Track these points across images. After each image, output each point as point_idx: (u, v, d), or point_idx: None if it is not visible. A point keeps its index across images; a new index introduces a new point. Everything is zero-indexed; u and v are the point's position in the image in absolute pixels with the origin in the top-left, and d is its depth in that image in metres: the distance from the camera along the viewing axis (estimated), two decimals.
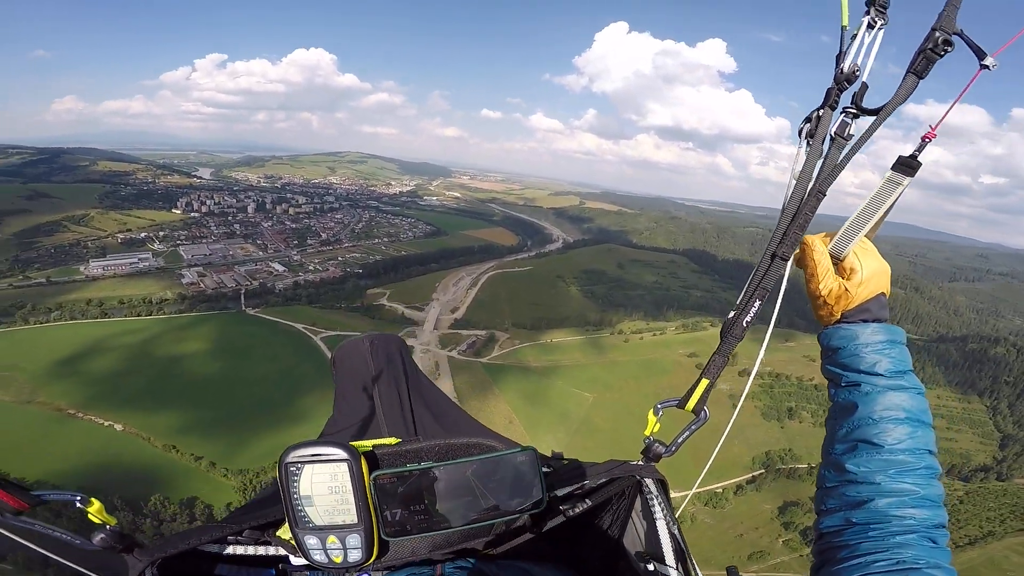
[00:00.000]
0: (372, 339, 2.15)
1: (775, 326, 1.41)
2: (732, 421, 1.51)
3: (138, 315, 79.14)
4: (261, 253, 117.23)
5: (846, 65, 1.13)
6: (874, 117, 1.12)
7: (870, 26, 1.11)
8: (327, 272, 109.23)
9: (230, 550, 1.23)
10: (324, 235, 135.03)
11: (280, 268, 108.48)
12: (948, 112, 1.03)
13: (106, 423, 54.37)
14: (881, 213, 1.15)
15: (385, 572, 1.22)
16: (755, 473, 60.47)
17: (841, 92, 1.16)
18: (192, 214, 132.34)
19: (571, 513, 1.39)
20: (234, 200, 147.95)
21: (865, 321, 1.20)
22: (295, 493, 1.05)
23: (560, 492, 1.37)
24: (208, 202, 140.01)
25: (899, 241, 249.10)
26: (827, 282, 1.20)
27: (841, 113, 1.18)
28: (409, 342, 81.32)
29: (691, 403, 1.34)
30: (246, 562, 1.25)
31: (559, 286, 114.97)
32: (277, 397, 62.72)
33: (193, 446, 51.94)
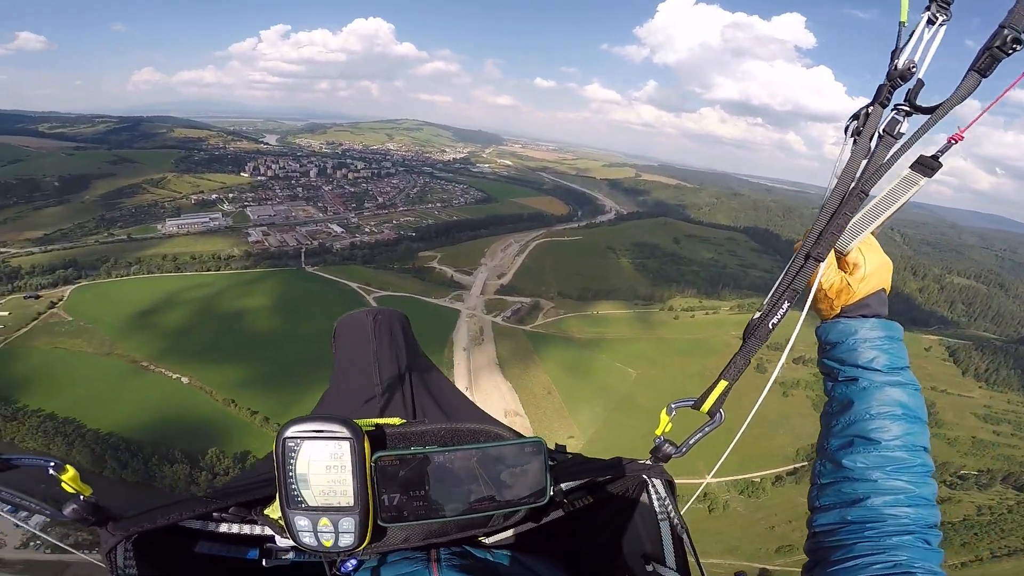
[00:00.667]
0: (376, 313, 2.06)
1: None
2: (753, 411, 1.46)
3: (207, 270, 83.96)
4: (321, 215, 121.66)
5: (901, 61, 1.07)
6: (928, 116, 1.06)
7: (930, 21, 1.05)
8: (382, 234, 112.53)
9: (213, 527, 1.17)
10: (380, 199, 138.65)
11: (338, 229, 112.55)
12: (981, 115, 0.98)
13: (174, 376, 57.65)
14: (892, 211, 1.12)
15: (379, 557, 1.17)
16: (797, 465, 57.89)
17: (894, 89, 1.11)
18: (259, 178, 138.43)
19: (572, 508, 1.37)
20: (297, 165, 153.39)
21: (864, 316, 1.19)
22: (291, 471, 0.99)
23: (564, 486, 1.34)
24: (273, 166, 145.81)
25: (986, 233, 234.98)
26: (829, 276, 1.19)
27: (892, 110, 1.12)
28: (456, 306, 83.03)
29: (707, 405, 1.28)
30: (229, 540, 1.18)
31: (609, 257, 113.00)
32: (330, 354, 65.75)
33: (250, 400, 53.80)
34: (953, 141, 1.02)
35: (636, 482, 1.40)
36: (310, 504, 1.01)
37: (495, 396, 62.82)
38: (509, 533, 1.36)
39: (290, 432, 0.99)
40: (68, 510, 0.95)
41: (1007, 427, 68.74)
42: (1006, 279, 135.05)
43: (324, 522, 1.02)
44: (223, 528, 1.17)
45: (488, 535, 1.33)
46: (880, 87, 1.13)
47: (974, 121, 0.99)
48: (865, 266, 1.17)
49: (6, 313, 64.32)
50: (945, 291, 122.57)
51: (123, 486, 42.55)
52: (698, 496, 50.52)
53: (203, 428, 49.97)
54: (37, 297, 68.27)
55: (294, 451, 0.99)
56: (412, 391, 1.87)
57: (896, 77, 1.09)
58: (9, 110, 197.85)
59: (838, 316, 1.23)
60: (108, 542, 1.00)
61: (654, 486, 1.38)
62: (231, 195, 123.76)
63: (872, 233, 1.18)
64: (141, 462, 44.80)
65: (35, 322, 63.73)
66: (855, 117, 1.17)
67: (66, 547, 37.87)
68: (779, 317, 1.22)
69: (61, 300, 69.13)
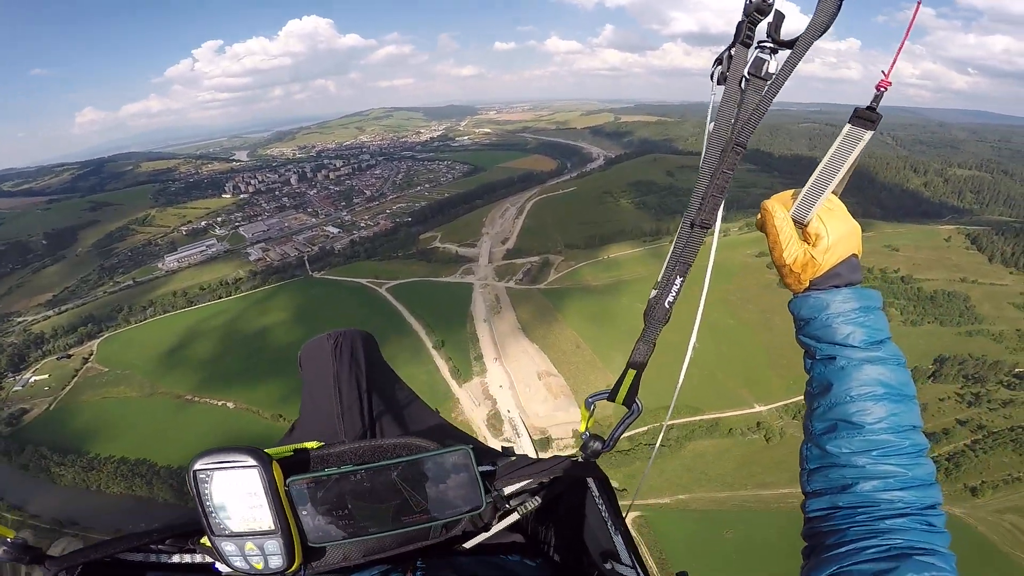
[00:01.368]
0: (337, 336, 2.01)
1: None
2: (685, 365, 1.39)
3: (219, 298, 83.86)
4: (314, 219, 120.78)
5: None
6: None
7: None
8: (379, 226, 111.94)
9: (160, 558, 1.19)
10: (368, 192, 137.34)
11: (334, 230, 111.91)
12: (898, 55, 0.94)
13: (219, 403, 58.71)
14: (843, 172, 1.05)
15: (350, 572, 1.18)
16: None
17: (754, 25, 1.02)
18: (241, 196, 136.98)
19: (523, 511, 1.35)
20: (276, 175, 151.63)
21: (836, 287, 1.12)
22: (207, 501, 1.02)
23: (507, 491, 1.32)
24: (252, 182, 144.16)
25: (974, 127, 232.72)
26: (791, 250, 1.12)
27: (756, 48, 1.03)
28: (467, 279, 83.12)
29: (620, 396, 1.28)
30: (179, 570, 1.21)
31: (607, 202, 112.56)
32: None
33: (296, 411, 55.92)
34: (882, 88, 0.97)
35: (577, 480, 1.39)
36: (234, 530, 1.04)
37: (524, 361, 63.44)
38: (489, 534, 1.35)
39: (199, 465, 1.01)
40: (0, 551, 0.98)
41: None
42: (1008, 166, 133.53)
43: (250, 546, 1.04)
44: (175, 558, 1.19)
45: (455, 542, 1.31)
46: (739, 24, 1.03)
47: (893, 63, 0.95)
48: (828, 236, 1.09)
49: (46, 376, 66.20)
50: (950, 183, 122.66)
51: None
52: (752, 428, 51.71)
53: (262, 445, 51.42)
54: (68, 356, 69.72)
55: (206, 482, 1.01)
56: (370, 408, 1.87)
57: (753, 11, 0.99)
58: None
59: (808, 290, 1.15)
60: None
61: (589, 486, 1.36)
62: (219, 219, 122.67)
63: (834, 194, 1.11)
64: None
65: (75, 379, 65.20)
66: (718, 61, 1.08)
67: None
68: (674, 294, 1.18)
69: (92, 354, 70.31)
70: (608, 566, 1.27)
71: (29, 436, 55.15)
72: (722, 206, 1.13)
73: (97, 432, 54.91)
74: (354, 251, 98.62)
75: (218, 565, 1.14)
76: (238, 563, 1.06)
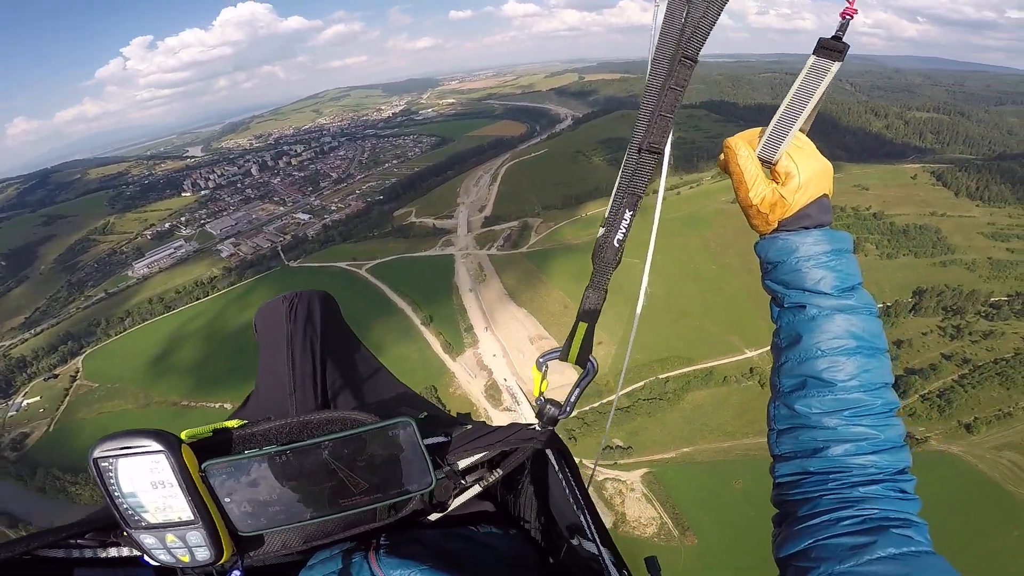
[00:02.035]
0: (291, 298, 1.79)
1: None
2: (637, 316, 1.29)
3: (196, 299, 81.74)
4: (282, 208, 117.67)
5: None
6: None
7: None
8: (350, 207, 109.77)
9: (86, 553, 1.09)
10: (334, 174, 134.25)
11: (305, 217, 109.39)
12: None
13: (216, 405, 57.81)
14: (811, 106, 0.99)
15: (302, 556, 1.11)
16: None
17: None
18: (202, 192, 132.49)
19: (484, 484, 1.28)
20: (235, 168, 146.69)
21: (806, 228, 1.05)
22: (115, 490, 0.92)
23: (461, 464, 1.23)
24: (212, 177, 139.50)
25: (930, 72, 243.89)
26: (758, 190, 1.05)
27: None
28: (447, 251, 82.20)
29: (572, 354, 1.18)
30: (109, 564, 1.11)
31: (580, 161, 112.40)
32: None
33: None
34: (848, 16, 0.94)
35: (535, 451, 1.30)
36: (151, 522, 0.95)
37: (515, 327, 63.47)
38: (448, 512, 1.27)
39: (98, 452, 0.91)
40: None
41: (1020, 242, 69.07)
42: (964, 108, 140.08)
43: (171, 538, 0.96)
44: (107, 553, 1.09)
45: (419, 516, 1.24)
46: None
47: None
48: (799, 174, 1.02)
49: (38, 398, 65.28)
50: (910, 125, 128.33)
51: None
52: (746, 374, 52.57)
53: None
54: (56, 376, 68.84)
55: (110, 471, 0.91)
56: (324, 379, 1.69)
57: None
58: None
59: (776, 231, 1.08)
60: None
61: (550, 458, 1.27)
62: (183, 218, 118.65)
63: (802, 131, 1.03)
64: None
65: (68, 398, 64.23)
66: None
67: None
68: (624, 231, 1.08)
69: (79, 371, 68.99)
70: (575, 541, 1.21)
71: (37, 459, 54.38)
72: (672, 129, 1.01)
73: None
74: (328, 236, 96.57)
75: (146, 557, 1.05)
76: (162, 556, 0.98)
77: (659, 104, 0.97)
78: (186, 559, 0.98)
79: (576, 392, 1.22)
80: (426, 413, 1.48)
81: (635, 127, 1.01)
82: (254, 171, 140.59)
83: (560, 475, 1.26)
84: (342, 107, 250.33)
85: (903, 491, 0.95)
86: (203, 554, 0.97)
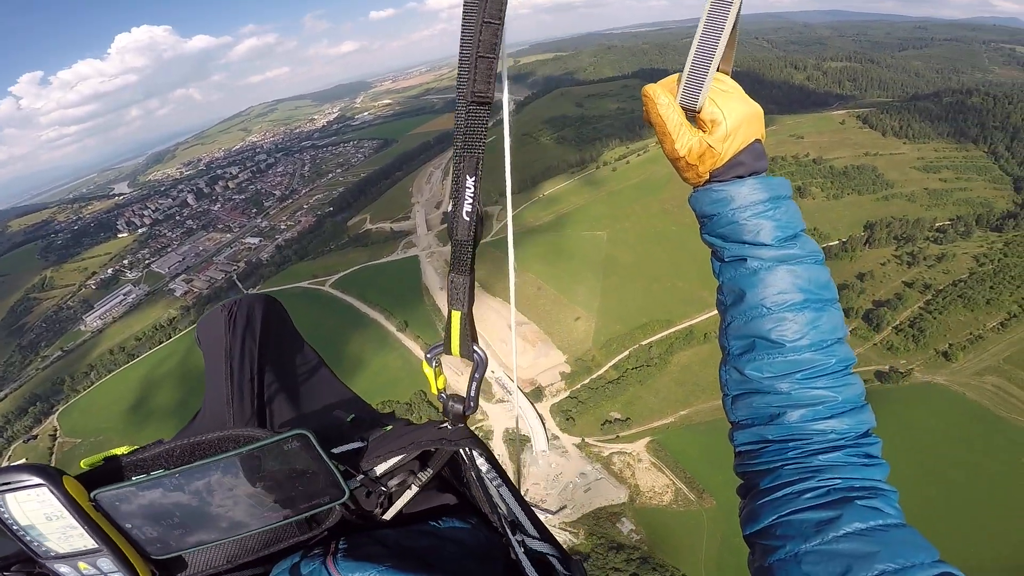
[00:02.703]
0: (232, 305, 1.70)
1: None
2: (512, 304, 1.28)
3: (160, 343, 78.89)
4: (229, 235, 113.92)
5: None
6: None
7: None
8: (300, 224, 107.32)
9: None
10: (277, 192, 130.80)
11: (255, 240, 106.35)
12: None
13: None
14: (723, 43, 0.89)
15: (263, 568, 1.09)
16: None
17: None
18: (140, 230, 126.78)
19: (419, 484, 1.25)
20: (170, 200, 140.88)
21: (740, 177, 0.98)
22: (12, 524, 0.90)
23: (379, 469, 1.18)
24: (146, 212, 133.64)
25: (835, 25, 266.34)
26: (683, 140, 0.97)
27: None
28: (410, 253, 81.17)
29: (455, 347, 1.13)
30: None
31: (528, 143, 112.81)
32: (325, 356, 64.70)
33: None
34: None
35: (454, 451, 1.26)
36: (60, 552, 0.93)
37: (493, 318, 63.44)
38: (404, 500, 1.26)
39: None
40: None
41: (948, 172, 75.38)
42: (872, 55, 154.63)
43: (83, 566, 0.94)
44: None
45: (372, 518, 1.22)
46: None
47: None
48: (726, 121, 0.94)
49: (24, 460, 62.91)
50: (828, 75, 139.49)
51: None
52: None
53: None
54: (35, 437, 67.17)
55: (1, 507, 0.89)
56: (261, 390, 1.62)
57: None
58: None
59: (709, 182, 1.01)
60: None
61: (470, 456, 1.23)
62: (125, 261, 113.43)
63: (724, 72, 0.97)
64: None
65: (54, 456, 62.38)
66: None
67: None
68: (471, 200, 0.99)
69: (56, 430, 66.66)
70: (518, 537, 1.19)
71: None
72: (503, 72, 0.95)
73: None
74: (284, 256, 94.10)
75: None
76: None
77: (475, 44, 0.86)
78: None
79: (473, 386, 1.15)
80: (353, 416, 1.43)
81: (458, 75, 0.90)
82: (191, 200, 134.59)
83: (473, 472, 1.21)
84: (271, 122, 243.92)
85: (868, 455, 0.91)
86: None
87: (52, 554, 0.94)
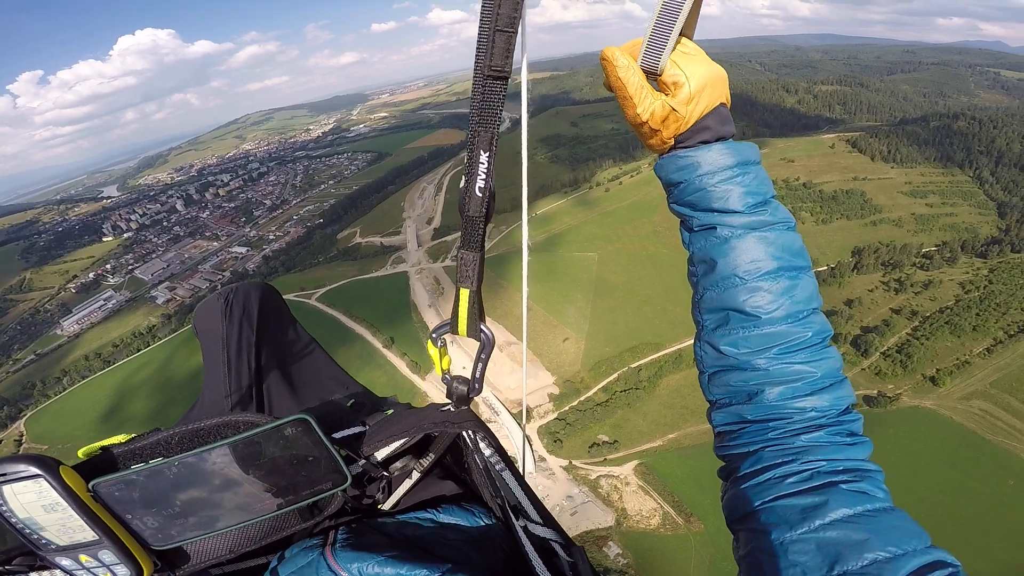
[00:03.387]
0: (227, 294, 1.70)
1: None
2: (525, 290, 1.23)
3: (138, 350, 76.80)
4: (216, 243, 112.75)
5: None
6: None
7: None
8: (289, 235, 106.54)
9: None
10: (268, 201, 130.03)
11: (242, 250, 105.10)
12: None
13: None
14: (688, 5, 0.86)
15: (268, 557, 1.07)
16: None
17: None
18: (125, 235, 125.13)
19: (421, 470, 1.24)
20: (158, 205, 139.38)
21: (706, 143, 0.94)
22: (11, 517, 0.89)
23: (380, 455, 1.16)
24: (133, 217, 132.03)
25: (826, 49, 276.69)
26: (645, 104, 0.92)
27: None
28: (399, 269, 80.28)
29: (462, 326, 1.10)
30: None
31: (522, 161, 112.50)
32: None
33: None
34: None
35: (458, 434, 1.24)
36: (60, 544, 0.92)
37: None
38: (405, 488, 1.24)
39: None
40: None
41: (935, 197, 77.01)
42: (862, 79, 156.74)
43: (85, 558, 0.94)
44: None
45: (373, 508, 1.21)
46: None
47: None
48: (689, 83, 0.90)
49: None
50: (819, 99, 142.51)
51: None
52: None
53: None
54: None
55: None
56: (259, 375, 1.63)
57: None
58: None
59: (674, 148, 0.97)
60: None
61: (467, 439, 1.20)
62: (108, 265, 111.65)
63: (687, 36, 0.94)
64: None
65: None
66: None
67: None
68: (484, 176, 0.98)
69: (23, 435, 64.57)
70: (521, 523, 1.17)
71: None
72: (523, 47, 0.93)
73: None
74: (270, 267, 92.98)
75: None
76: None
77: (494, 17, 0.85)
78: None
79: (479, 367, 1.13)
80: (353, 400, 1.41)
81: (476, 49, 0.89)
82: (179, 206, 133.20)
83: (476, 456, 1.19)
84: (266, 130, 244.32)
85: (851, 433, 0.88)
86: (122, 571, 0.95)
87: (53, 546, 0.93)
